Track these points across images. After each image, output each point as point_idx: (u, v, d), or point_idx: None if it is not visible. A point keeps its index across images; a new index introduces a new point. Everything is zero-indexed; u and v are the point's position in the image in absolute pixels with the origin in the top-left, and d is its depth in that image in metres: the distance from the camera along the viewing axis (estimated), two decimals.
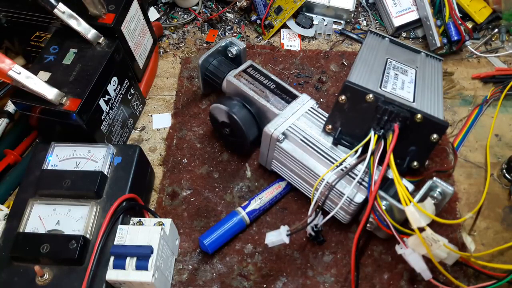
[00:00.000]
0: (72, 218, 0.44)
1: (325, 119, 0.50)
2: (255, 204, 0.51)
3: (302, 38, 0.69)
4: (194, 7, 0.73)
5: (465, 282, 0.47)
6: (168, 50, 0.69)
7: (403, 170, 0.47)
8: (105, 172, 0.47)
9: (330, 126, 0.48)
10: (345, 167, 0.45)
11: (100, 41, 0.52)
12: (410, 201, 0.40)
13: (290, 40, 0.69)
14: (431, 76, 0.57)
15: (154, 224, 0.45)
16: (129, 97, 0.58)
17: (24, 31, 0.58)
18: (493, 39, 0.69)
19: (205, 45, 0.69)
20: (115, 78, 0.53)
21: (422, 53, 0.62)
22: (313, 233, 0.48)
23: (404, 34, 0.70)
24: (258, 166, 0.56)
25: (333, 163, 0.47)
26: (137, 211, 0.48)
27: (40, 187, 0.46)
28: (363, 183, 0.45)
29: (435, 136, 0.44)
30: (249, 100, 0.53)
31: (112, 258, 0.41)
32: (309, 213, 0.45)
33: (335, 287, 0.48)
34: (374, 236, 0.50)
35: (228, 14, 0.73)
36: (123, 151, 0.50)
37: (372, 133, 0.44)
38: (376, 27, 0.71)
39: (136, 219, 0.46)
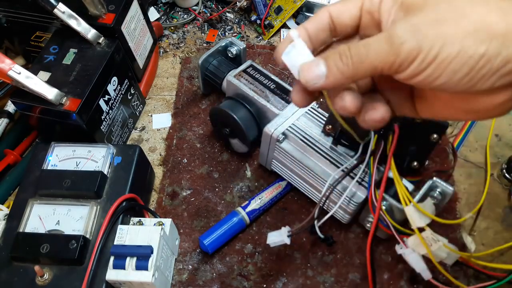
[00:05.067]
0: (72, 218, 0.45)
1: (325, 119, 0.50)
2: (255, 204, 0.51)
3: None
4: (194, 7, 0.73)
5: (465, 282, 0.47)
6: (168, 50, 0.69)
7: (403, 170, 0.47)
8: (105, 172, 0.47)
9: (330, 126, 0.48)
10: (346, 167, 0.45)
11: (100, 41, 0.52)
12: (410, 201, 0.40)
13: None
14: None
15: (154, 224, 0.45)
16: (129, 97, 0.58)
17: (24, 31, 0.58)
18: None
19: (205, 45, 0.69)
20: (115, 78, 0.53)
21: None
22: (322, 236, 0.48)
23: None
24: (258, 166, 0.56)
25: (333, 163, 0.47)
26: (137, 211, 0.48)
27: (40, 187, 0.46)
28: (363, 182, 0.45)
29: (435, 136, 0.44)
30: (249, 100, 0.53)
31: (112, 258, 0.41)
32: (315, 215, 0.45)
33: (335, 287, 0.48)
34: (374, 236, 0.50)
35: (228, 14, 0.73)
36: (123, 151, 0.50)
37: (372, 133, 0.44)
38: None
39: (136, 219, 0.46)
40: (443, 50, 0.24)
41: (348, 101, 0.28)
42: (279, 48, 0.28)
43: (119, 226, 0.44)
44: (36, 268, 0.40)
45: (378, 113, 0.29)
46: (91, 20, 0.52)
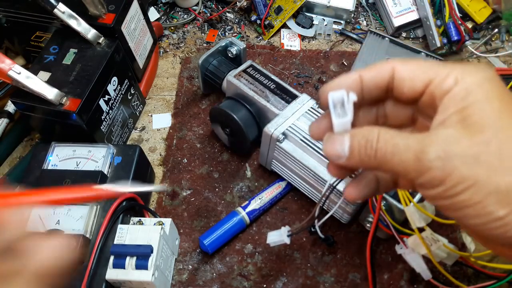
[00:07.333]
0: (72, 218, 0.44)
1: None
2: (255, 204, 0.51)
3: (302, 38, 0.69)
4: (194, 7, 0.73)
5: (465, 282, 0.47)
6: (168, 50, 0.69)
7: None
8: (105, 172, 0.47)
9: None
10: None
11: (100, 41, 0.52)
12: (410, 201, 0.40)
13: (290, 40, 0.69)
14: None
15: (154, 224, 0.45)
16: (129, 97, 0.58)
17: (24, 31, 0.58)
18: (493, 39, 0.69)
19: (205, 45, 0.69)
20: (115, 78, 0.53)
21: (422, 53, 0.62)
22: (322, 236, 0.48)
23: (404, 34, 0.70)
24: (258, 166, 0.56)
25: None
26: (137, 210, 0.48)
27: (40, 187, 0.46)
28: None
29: None
30: (249, 100, 0.53)
31: (112, 258, 0.41)
32: (315, 215, 0.45)
33: (335, 287, 0.48)
34: (374, 236, 0.50)
35: (228, 14, 0.73)
36: (123, 151, 0.50)
37: None
38: (376, 27, 0.71)
39: (136, 219, 0.46)
40: (465, 192, 0.22)
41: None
42: (327, 87, 0.26)
43: (119, 226, 0.44)
44: None
45: (352, 194, 0.29)
46: (91, 20, 0.52)
